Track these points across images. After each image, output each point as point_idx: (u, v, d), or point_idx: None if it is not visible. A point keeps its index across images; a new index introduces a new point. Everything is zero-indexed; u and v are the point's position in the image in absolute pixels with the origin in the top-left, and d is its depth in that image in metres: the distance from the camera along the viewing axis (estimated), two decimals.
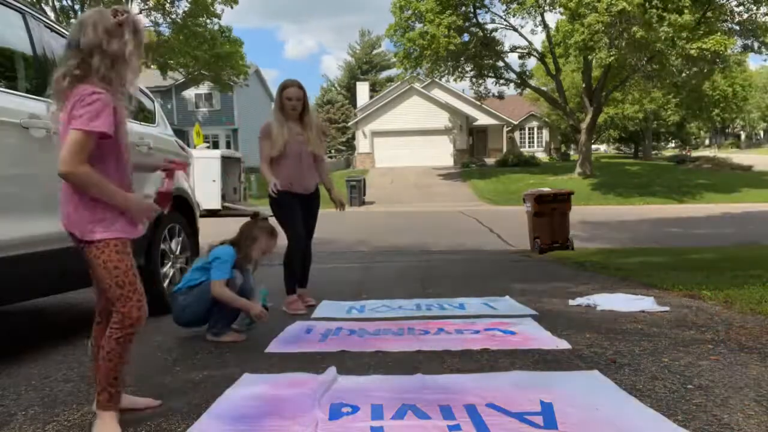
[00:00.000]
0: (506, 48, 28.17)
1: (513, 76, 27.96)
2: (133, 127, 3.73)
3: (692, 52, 20.79)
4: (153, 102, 4.38)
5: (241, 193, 19.85)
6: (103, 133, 1.76)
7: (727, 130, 68.97)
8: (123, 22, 1.81)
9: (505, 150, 37.13)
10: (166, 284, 3.88)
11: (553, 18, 26.98)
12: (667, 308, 3.71)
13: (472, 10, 25.80)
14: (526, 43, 27.81)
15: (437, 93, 35.91)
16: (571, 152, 41.02)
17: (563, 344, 2.86)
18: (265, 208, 4.02)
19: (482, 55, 26.94)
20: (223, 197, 17.86)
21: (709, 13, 22.02)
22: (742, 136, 70.66)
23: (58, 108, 1.83)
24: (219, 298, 3.01)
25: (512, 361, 2.60)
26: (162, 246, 3.85)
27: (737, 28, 23.45)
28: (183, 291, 3.12)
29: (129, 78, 1.86)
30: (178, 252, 4.09)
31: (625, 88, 27.67)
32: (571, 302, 4.01)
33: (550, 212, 7.92)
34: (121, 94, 1.86)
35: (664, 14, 20.40)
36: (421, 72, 27.35)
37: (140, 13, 25.30)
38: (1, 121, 2.49)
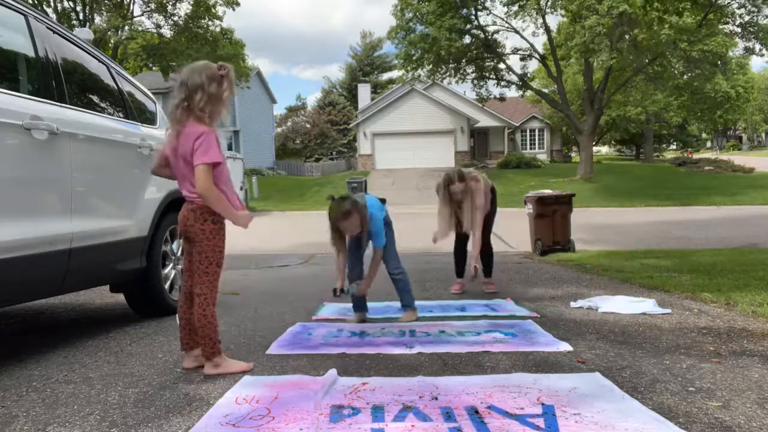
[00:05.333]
0: (507, 50, 28.20)
1: (514, 78, 27.97)
2: (136, 128, 3.74)
3: (694, 53, 20.79)
4: (155, 104, 4.39)
5: (241, 196, 19.83)
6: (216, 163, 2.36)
7: (728, 132, 68.95)
8: (224, 74, 2.48)
9: (506, 152, 37.12)
10: (167, 286, 3.87)
11: (554, 20, 27.08)
12: (668, 310, 3.70)
13: (473, 12, 25.81)
14: (528, 45, 27.86)
15: (438, 94, 35.91)
16: (573, 154, 41.04)
17: (564, 346, 2.86)
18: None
19: (483, 57, 26.96)
20: None
21: (710, 15, 22.02)
22: (744, 139, 70.59)
23: (173, 132, 2.44)
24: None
25: (513, 363, 2.60)
26: (163, 248, 3.85)
27: (739, 30, 23.46)
28: None
29: (223, 114, 2.48)
30: (179, 254, 4.09)
31: (627, 90, 27.66)
32: (573, 304, 4.01)
33: (551, 214, 7.92)
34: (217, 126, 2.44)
35: (665, 16, 20.40)
36: (423, 74, 27.37)
37: (142, 15, 25.40)
38: (2, 122, 2.49)
